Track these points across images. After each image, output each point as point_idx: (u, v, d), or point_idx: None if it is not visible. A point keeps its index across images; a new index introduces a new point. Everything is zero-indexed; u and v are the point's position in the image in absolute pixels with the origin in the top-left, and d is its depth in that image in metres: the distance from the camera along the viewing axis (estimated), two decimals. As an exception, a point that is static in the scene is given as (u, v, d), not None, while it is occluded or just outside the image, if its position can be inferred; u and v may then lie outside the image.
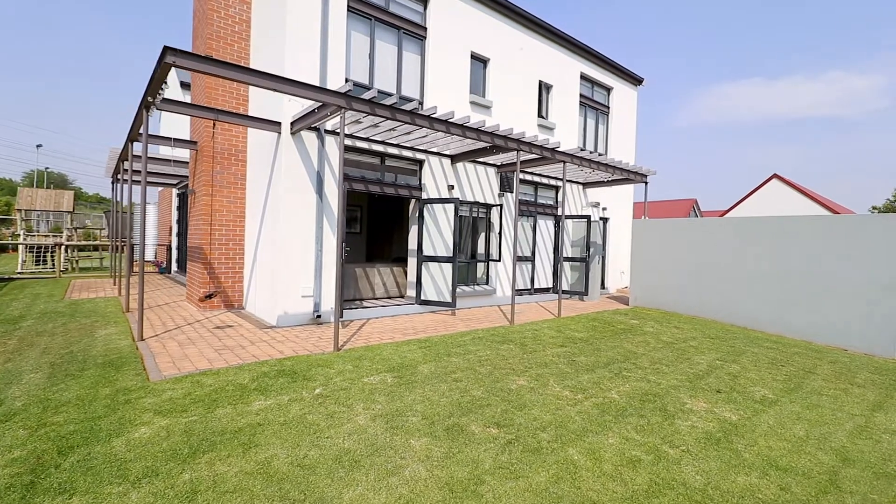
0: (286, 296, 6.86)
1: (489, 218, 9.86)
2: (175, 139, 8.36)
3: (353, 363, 4.97)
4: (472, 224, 9.36)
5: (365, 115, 6.50)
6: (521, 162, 9.34)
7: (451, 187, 8.92)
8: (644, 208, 11.04)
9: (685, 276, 9.43)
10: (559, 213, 11.52)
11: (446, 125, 6.76)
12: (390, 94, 8.13)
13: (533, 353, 5.79)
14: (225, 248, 8.06)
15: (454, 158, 8.92)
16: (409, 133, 7.71)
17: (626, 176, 10.41)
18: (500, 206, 9.89)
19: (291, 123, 6.77)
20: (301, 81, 5.22)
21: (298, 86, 5.05)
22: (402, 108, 6.30)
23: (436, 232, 8.48)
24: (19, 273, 12.26)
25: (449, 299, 8.30)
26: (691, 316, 9.19)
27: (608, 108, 13.22)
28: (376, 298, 9.11)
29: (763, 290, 8.19)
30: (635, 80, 13.83)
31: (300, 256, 6.95)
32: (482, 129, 7.12)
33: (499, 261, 9.86)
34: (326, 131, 7.19)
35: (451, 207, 8.27)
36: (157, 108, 5.49)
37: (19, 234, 13.92)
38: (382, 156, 8.09)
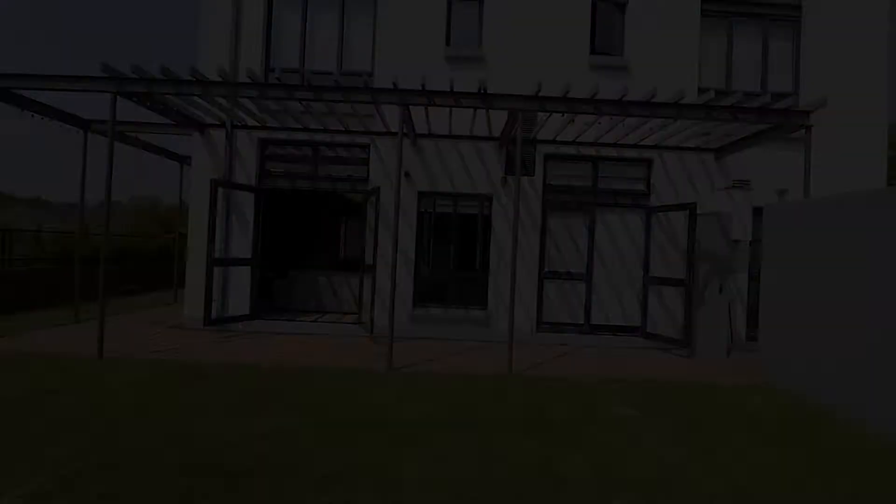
0: (194, 297, 6.69)
1: (490, 215, 6.92)
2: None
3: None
4: (442, 223, 6.77)
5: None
6: (518, 122, 6.16)
7: (406, 174, 6.73)
8: (805, 179, 5.25)
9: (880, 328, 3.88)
10: (650, 202, 7.02)
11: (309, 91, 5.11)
12: (329, 74, 6.97)
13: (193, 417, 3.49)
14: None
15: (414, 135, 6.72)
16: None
17: (765, 121, 5.25)
18: (491, 196, 6.80)
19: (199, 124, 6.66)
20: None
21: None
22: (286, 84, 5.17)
23: (383, 232, 6.55)
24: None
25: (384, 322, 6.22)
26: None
27: (799, 8, 7.21)
28: (342, 313, 7.77)
29: None
30: (881, -61, 7.05)
31: (204, 258, 6.67)
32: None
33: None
34: (235, 126, 6.71)
35: (373, 200, 6.24)
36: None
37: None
38: (313, 144, 6.91)
